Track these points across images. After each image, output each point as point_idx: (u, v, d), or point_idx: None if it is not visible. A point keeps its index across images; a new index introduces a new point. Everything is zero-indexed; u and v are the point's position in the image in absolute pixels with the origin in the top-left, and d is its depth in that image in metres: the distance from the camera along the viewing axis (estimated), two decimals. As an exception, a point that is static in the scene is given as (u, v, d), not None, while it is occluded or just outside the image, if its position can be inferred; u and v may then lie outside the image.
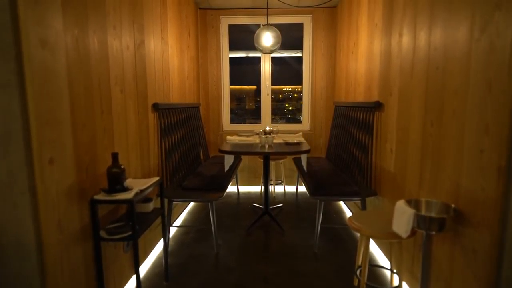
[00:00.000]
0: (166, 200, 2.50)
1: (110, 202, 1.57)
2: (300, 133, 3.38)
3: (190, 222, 3.16)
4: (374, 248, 2.53)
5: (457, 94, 1.45)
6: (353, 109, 3.05)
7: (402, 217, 1.46)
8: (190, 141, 3.28)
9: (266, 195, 3.06)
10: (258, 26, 3.22)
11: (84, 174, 1.53)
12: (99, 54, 1.66)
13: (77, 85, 1.47)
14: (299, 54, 5.87)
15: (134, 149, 2.10)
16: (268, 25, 3.08)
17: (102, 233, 1.61)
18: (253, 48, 5.34)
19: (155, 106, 2.45)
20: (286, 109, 5.58)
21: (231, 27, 4.27)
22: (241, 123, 4.62)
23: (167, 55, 2.78)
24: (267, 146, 2.68)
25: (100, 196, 1.57)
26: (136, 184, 1.81)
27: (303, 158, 2.93)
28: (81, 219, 1.51)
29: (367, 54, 2.79)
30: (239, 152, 2.52)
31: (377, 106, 2.45)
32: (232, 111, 5.51)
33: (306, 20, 4.22)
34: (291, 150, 2.48)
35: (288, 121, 5.61)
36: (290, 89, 5.69)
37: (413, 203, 1.57)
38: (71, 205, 1.43)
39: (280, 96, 5.30)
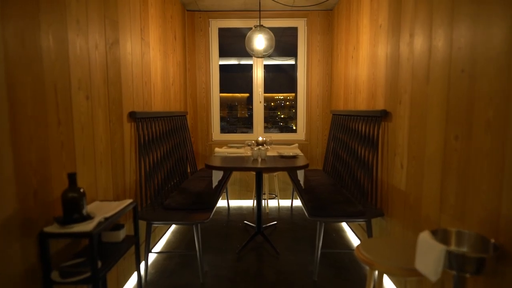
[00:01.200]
0: (145, 223, 2.17)
1: (64, 236, 1.25)
2: (296, 145, 3.10)
3: (174, 244, 2.83)
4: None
5: (492, 101, 1.19)
6: (354, 118, 2.79)
7: (430, 254, 1.18)
8: (175, 153, 2.96)
9: (259, 214, 2.75)
10: (250, 30, 2.97)
11: (31, 201, 1.21)
12: (55, 53, 1.35)
13: (21, 90, 1.16)
14: (291, 62, 5.69)
15: (103, 166, 1.78)
16: (260, 27, 2.82)
17: (55, 275, 1.29)
18: (244, 54, 5.10)
19: (132, 115, 2.14)
20: (278, 117, 5.39)
21: (221, 32, 4.01)
22: (231, 133, 4.33)
23: (148, 58, 2.48)
24: (259, 159, 2.39)
25: (51, 228, 1.25)
26: (102, 210, 1.49)
27: (300, 172, 2.65)
28: (25, 259, 1.18)
29: (369, 59, 2.54)
30: (228, 168, 2.22)
31: (384, 115, 2.19)
32: (223, 119, 5.25)
33: (300, 24, 3.98)
34: (287, 166, 2.19)
35: (281, 130, 5.38)
36: (282, 97, 5.52)
37: (440, 234, 1.29)
38: (9, 242, 1.11)
39: (272, 104, 5.08)
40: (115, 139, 1.93)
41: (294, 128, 5.54)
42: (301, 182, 2.64)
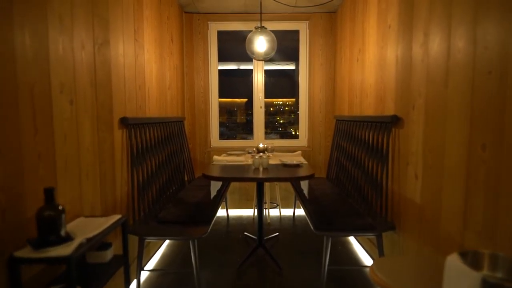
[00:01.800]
0: (137, 238, 2.01)
1: (38, 261, 1.09)
2: (299, 152, 2.95)
3: (170, 258, 2.65)
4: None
5: (529, 106, 1.04)
6: (360, 124, 2.64)
7: (462, 283, 1.01)
8: (171, 162, 2.80)
9: (260, 225, 2.58)
10: (250, 33, 2.83)
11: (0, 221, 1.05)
12: (32, 52, 1.20)
13: (-13, 92, 1.01)
14: (292, 67, 5.58)
15: (90, 178, 1.62)
16: (262, 28, 2.68)
17: (27, 306, 1.12)
18: (244, 59, 4.96)
19: (124, 121, 1.99)
20: (278, 122, 5.30)
21: (220, 35, 3.88)
22: (231, 139, 4.18)
23: (142, 60, 2.33)
24: (261, 169, 2.23)
25: (23, 253, 1.09)
26: (87, 228, 1.33)
27: (304, 182, 2.49)
28: (-10, 289, 1.02)
29: (377, 61, 2.39)
30: (227, 179, 2.07)
31: (394, 121, 2.04)
32: (223, 124, 5.11)
33: (302, 27, 3.85)
34: (290, 176, 2.03)
35: (281, 136, 5.25)
36: (281, 102, 5.43)
37: (471, 256, 1.13)
38: (-30, 272, 0.95)
39: (271, 109, 4.96)
40: (104, 147, 1.77)
41: (293, 133, 5.43)
42: (305, 192, 2.48)
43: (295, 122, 5.50)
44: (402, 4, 1.97)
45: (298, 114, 5.53)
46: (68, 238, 1.17)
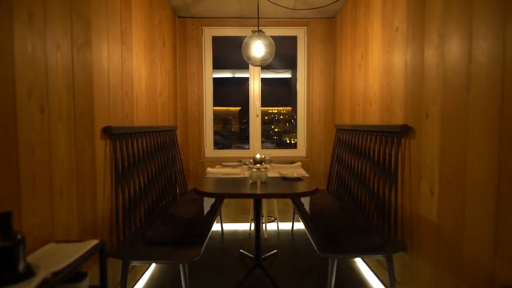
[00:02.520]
0: (120, 262, 1.79)
1: (-13, 305, 0.88)
2: (299, 163, 2.77)
3: (159, 281, 2.43)
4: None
5: None
6: (364, 134, 2.48)
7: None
8: (161, 175, 2.60)
9: (258, 244, 2.38)
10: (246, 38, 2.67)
11: None
12: (-9, 49, 1.02)
13: None
14: (287, 75, 5.48)
15: (65, 196, 1.41)
16: (259, 32, 2.53)
17: None
18: (240, 67, 4.81)
19: (107, 131, 1.79)
20: (272, 130, 5.21)
21: (215, 42, 3.72)
22: (226, 148, 4.00)
23: (129, 65, 2.15)
24: (259, 182, 2.04)
25: (-31, 294, 0.88)
26: (57, 257, 1.13)
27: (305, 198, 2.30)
28: None
29: (383, 67, 2.24)
30: (222, 195, 1.87)
31: (404, 131, 1.87)
32: (218, 133, 4.95)
33: (300, 33, 3.72)
34: (292, 191, 1.85)
35: (278, 145, 5.14)
36: (276, 110, 5.34)
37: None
38: None
39: (266, 117, 4.85)
40: (83, 160, 1.57)
41: (288, 141, 5.30)
42: (306, 207, 2.29)
43: (290, 131, 5.36)
44: (411, 4, 1.83)
45: (293, 122, 5.41)
46: (29, 274, 0.97)
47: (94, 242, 1.28)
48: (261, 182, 2.04)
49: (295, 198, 2.42)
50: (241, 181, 2.14)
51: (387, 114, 2.17)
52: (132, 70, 2.20)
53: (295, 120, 5.29)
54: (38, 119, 1.24)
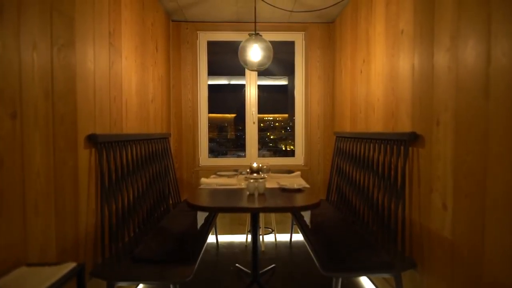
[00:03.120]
0: (105, 283, 1.63)
1: None
2: (298, 173, 2.63)
3: (149, 298, 2.26)
4: None
5: None
6: (366, 141, 2.36)
7: None
8: (153, 186, 2.45)
9: (255, 259, 2.22)
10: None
11: None
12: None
13: None
14: (284, 82, 5.40)
15: (40, 212, 1.26)
16: (257, 35, 2.41)
17: None
18: (236, 73, 4.71)
19: (93, 139, 1.65)
20: (268, 138, 5.15)
21: (211, 47, 3.61)
22: (222, 156, 3.86)
23: (118, 69, 2.02)
24: (256, 194, 1.90)
25: None
26: (23, 284, 0.97)
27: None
28: None
29: (387, 72, 2.13)
30: (216, 209, 1.73)
31: (412, 139, 1.75)
32: (213, 140, 4.84)
33: (298, 38, 3.62)
34: (292, 205, 1.70)
35: (274, 153, 5.06)
36: (272, 117, 5.29)
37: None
38: None
39: (261, 125, 4.77)
40: (64, 172, 1.42)
41: (283, 148, 5.21)
42: (306, 219, 2.15)
43: (286, 138, 5.27)
44: (418, 4, 1.72)
45: (289, 130, 5.33)
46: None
47: (71, 265, 1.13)
48: (259, 194, 1.90)
49: (296, 212, 2.27)
50: (237, 192, 1.99)
51: (392, 121, 2.05)
52: (122, 74, 2.07)
53: (291, 127, 5.18)
54: (8, 126, 1.09)
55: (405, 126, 1.88)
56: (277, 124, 5.39)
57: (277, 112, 5.32)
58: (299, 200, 1.82)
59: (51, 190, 1.33)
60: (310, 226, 2.13)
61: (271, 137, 5.28)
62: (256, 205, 1.68)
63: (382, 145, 2.11)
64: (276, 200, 1.80)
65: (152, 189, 2.43)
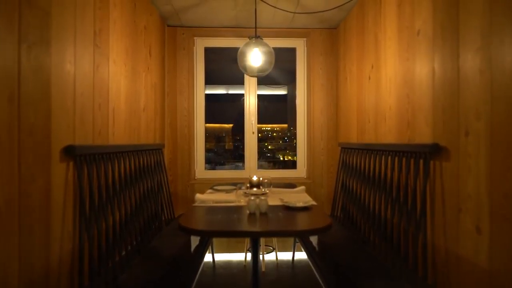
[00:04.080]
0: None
1: None
2: (303, 188, 2.41)
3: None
4: None
5: None
6: (376, 153, 2.16)
7: None
8: (144, 204, 2.22)
9: (256, 282, 1.98)
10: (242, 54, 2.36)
11: None
12: None
13: None
14: (283, 92, 5.26)
15: (-2, 240, 1.04)
16: (257, 38, 2.23)
17: None
18: (234, 82, 4.54)
19: (70, 151, 1.44)
20: (266, 148, 5.01)
21: (208, 55, 3.43)
22: (220, 167, 3.64)
23: (104, 73, 1.82)
24: (258, 214, 1.68)
25: None
26: None
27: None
28: None
29: (400, 77, 1.95)
30: (211, 233, 1.51)
31: (434, 151, 1.55)
32: (211, 150, 4.66)
33: (299, 44, 3.46)
34: (300, 229, 1.48)
35: (275, 164, 4.89)
36: (269, 128, 5.17)
37: None
38: None
39: (259, 135, 4.63)
40: (31, 190, 1.20)
41: (282, 159, 5.05)
42: (313, 240, 1.93)
43: (285, 148, 5.10)
44: (439, 2, 1.55)
45: (286, 140, 5.16)
46: None
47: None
48: (261, 213, 1.68)
49: (303, 236, 2.04)
50: (236, 211, 1.77)
51: (407, 131, 1.86)
52: (108, 79, 1.87)
53: (289, 137, 4.99)
54: (-46, 137, 0.88)
55: (424, 136, 1.68)
56: (275, 134, 5.25)
57: (276, 122, 5.18)
58: (307, 222, 1.60)
59: (13, 211, 1.11)
60: (317, 248, 1.91)
61: (269, 147, 5.15)
62: (258, 228, 1.46)
63: (396, 158, 1.91)
64: (280, 221, 1.58)
65: (143, 207, 2.20)
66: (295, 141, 3.53)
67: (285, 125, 5.30)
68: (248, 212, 1.70)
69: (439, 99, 1.55)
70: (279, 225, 1.50)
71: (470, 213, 1.34)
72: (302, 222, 1.59)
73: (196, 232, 1.43)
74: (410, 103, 1.83)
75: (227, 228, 1.44)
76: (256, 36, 2.24)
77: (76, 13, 1.50)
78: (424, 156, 1.61)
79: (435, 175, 1.57)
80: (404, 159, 1.82)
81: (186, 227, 1.40)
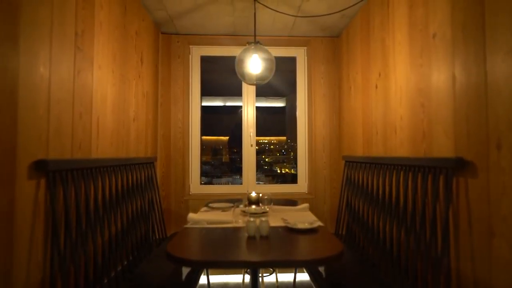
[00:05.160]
0: None
1: None
2: (306, 205, 2.21)
3: None
4: None
5: None
6: (385, 168, 1.97)
7: None
8: (132, 228, 2.01)
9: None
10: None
11: None
12: None
13: None
14: (281, 104, 5.14)
15: None
16: (257, 44, 2.07)
17: None
18: (232, 93, 4.39)
19: (42, 167, 1.24)
20: (263, 160, 4.89)
21: (204, 64, 3.27)
22: (216, 180, 3.44)
23: (87, 78, 1.64)
24: (258, 237, 1.48)
25: None
26: None
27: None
28: None
29: (413, 84, 1.79)
30: (204, 264, 1.30)
31: (458, 166, 1.37)
32: (207, 163, 4.48)
33: (300, 53, 3.32)
34: (307, 258, 1.28)
35: (273, 178, 4.73)
36: (267, 140, 5.06)
37: None
38: None
39: (257, 147, 4.48)
40: (-12, 214, 1.00)
41: (279, 172, 4.91)
42: (322, 271, 1.72)
43: (283, 161, 4.96)
44: (458, 1, 1.40)
45: (284, 153, 5.02)
46: None
47: None
48: (261, 237, 1.48)
49: (312, 267, 1.82)
50: (233, 234, 1.57)
51: (423, 143, 1.68)
52: (93, 86, 1.69)
53: (286, 150, 4.82)
54: None
55: (443, 150, 1.50)
56: (272, 147, 5.13)
57: (274, 134, 5.05)
58: (314, 248, 1.40)
59: (-38, 243, 0.91)
60: (324, 275, 1.70)
61: (266, 160, 5.03)
62: (259, 257, 1.25)
63: (410, 174, 1.72)
64: (283, 247, 1.37)
65: (131, 230, 1.99)
66: (292, 153, 3.36)
67: (283, 138, 5.15)
68: (246, 235, 1.50)
69: (462, 108, 1.38)
70: (283, 253, 1.29)
71: (505, 237, 1.15)
72: (309, 248, 1.39)
73: (185, 263, 1.22)
74: (425, 113, 1.66)
75: (222, 257, 1.23)
76: (255, 42, 2.09)
77: (52, 9, 1.33)
78: (445, 171, 1.43)
79: (459, 193, 1.39)
80: (419, 175, 1.63)
81: (174, 256, 1.19)
